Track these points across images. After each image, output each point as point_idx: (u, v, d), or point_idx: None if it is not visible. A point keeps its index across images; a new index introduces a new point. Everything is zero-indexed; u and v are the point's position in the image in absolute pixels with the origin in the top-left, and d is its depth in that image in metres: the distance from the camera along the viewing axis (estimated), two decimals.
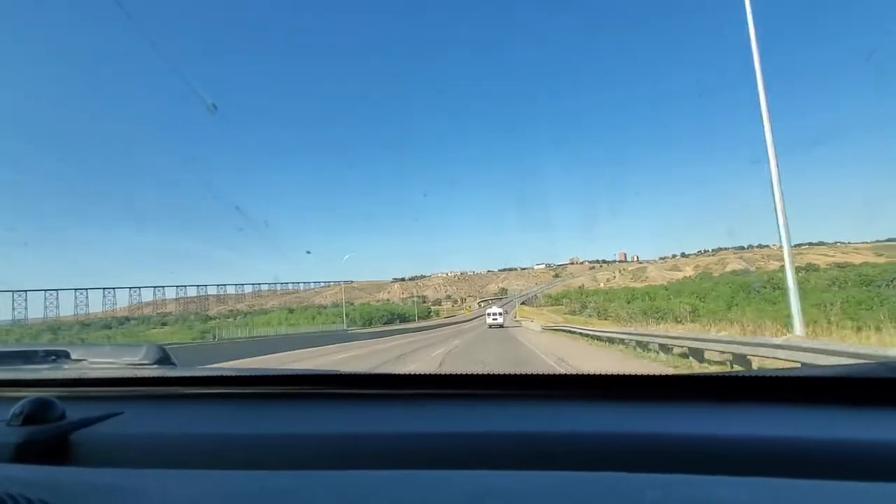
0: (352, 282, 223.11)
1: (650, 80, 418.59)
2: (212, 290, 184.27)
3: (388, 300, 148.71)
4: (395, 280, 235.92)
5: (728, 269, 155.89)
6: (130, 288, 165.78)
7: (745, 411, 0.86)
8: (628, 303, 44.31)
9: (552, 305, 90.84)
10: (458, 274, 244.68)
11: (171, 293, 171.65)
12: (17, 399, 0.83)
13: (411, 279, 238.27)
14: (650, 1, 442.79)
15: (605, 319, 43.18)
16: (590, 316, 45.33)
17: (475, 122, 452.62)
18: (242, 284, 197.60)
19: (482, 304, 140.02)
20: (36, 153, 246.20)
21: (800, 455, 0.67)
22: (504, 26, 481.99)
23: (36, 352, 1.49)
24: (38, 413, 0.80)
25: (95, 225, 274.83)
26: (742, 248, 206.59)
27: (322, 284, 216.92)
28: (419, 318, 74.21)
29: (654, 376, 0.95)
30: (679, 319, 32.95)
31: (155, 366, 1.36)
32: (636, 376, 0.95)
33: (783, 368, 0.88)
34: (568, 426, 0.81)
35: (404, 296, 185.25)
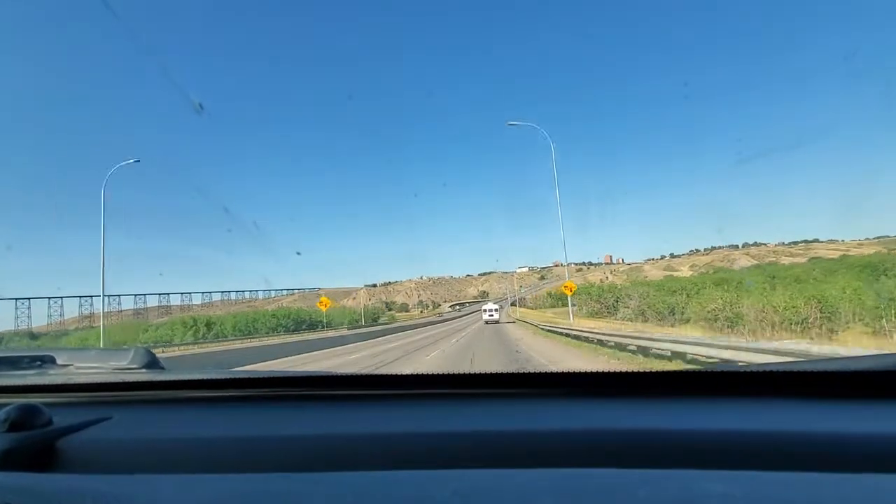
0: (318, 288, 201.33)
1: (637, 81, 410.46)
2: (152, 301, 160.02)
3: (352, 307, 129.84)
4: (367, 286, 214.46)
5: (736, 265, 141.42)
6: (50, 298, 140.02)
7: (736, 406, 0.86)
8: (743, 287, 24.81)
9: (553, 307, 72.59)
10: (435, 278, 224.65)
11: (100, 303, 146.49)
12: (3, 405, 0.81)
13: (383, 285, 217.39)
14: (638, 3, 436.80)
15: (686, 324, 23.51)
16: (631, 321, 23.54)
17: (460, 127, 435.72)
18: (190, 293, 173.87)
19: (458, 308, 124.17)
20: (12, 152, 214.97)
21: (790, 448, 0.67)
22: (490, 28, 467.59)
23: (21, 357, 1.45)
24: (24, 419, 0.78)
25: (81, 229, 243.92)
26: (736, 246, 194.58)
27: (285, 292, 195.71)
28: (365, 323, 53.03)
29: (642, 373, 0.94)
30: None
31: (143, 370, 1.33)
32: (625, 373, 0.95)
33: (771, 363, 0.89)
34: (558, 423, 0.80)
35: (370, 301, 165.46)
